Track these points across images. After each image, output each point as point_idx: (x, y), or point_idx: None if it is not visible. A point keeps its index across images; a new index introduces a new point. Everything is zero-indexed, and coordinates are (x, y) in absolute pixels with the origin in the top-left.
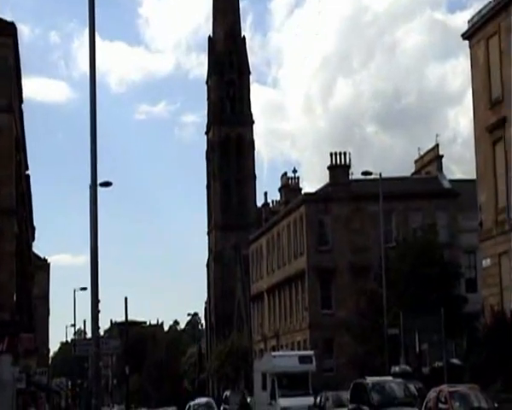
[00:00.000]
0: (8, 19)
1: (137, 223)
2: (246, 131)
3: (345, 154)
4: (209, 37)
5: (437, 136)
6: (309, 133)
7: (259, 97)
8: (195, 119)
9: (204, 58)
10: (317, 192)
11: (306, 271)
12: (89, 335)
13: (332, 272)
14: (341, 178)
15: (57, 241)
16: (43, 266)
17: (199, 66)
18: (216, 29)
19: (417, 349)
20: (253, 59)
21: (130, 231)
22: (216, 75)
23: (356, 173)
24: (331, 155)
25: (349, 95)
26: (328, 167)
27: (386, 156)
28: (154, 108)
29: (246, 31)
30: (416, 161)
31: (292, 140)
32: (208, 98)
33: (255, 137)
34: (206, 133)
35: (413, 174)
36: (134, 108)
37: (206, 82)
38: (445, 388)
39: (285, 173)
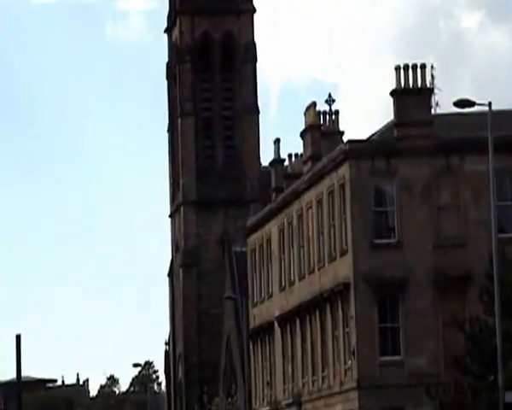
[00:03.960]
0: None
1: (33, 192)
2: (240, 26)
3: (422, 67)
4: None
5: None
6: (354, 30)
7: None
8: (146, 4)
9: None
10: (371, 139)
11: (352, 283)
12: None
13: (400, 285)
14: (416, 113)
15: None
16: None
17: None
18: None
19: None
20: None
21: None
22: None
23: (443, 105)
24: (397, 69)
25: None
26: (392, 92)
27: (496, 73)
28: None
29: None
30: None
31: (322, 44)
32: None
33: (257, 38)
34: (168, 31)
35: None
36: None
37: None
38: None
39: (313, 104)
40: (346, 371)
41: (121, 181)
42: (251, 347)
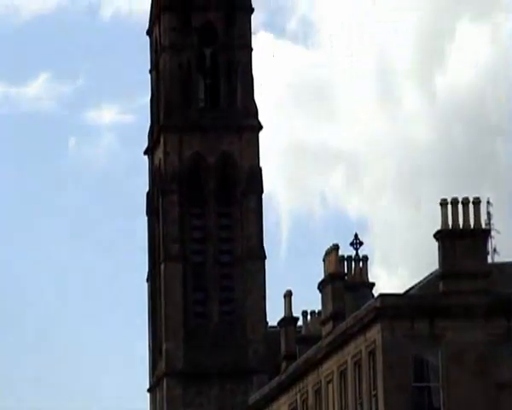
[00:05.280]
0: None
1: None
2: (242, 147)
3: (476, 202)
4: None
5: None
6: (387, 157)
7: None
8: (120, 117)
9: None
10: (409, 294)
11: None
12: None
13: None
14: (468, 261)
15: None
16: None
17: None
18: None
19: None
20: None
21: None
22: None
23: (503, 251)
24: (443, 205)
25: None
26: (437, 234)
27: None
28: None
29: None
30: None
31: (346, 169)
32: None
33: (263, 161)
34: (149, 152)
35: None
36: None
37: None
38: None
39: (334, 248)
40: None
41: (87, 345)
42: None
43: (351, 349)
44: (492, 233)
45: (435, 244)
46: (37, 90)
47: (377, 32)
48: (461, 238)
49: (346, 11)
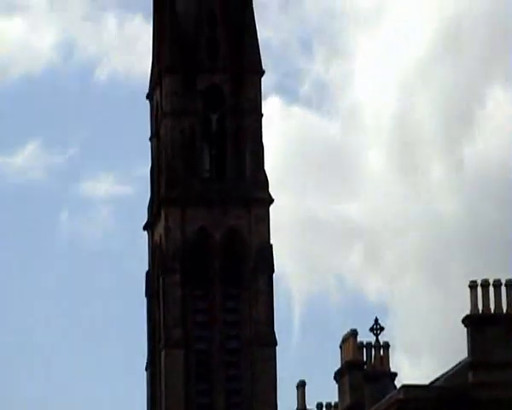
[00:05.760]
0: None
1: None
2: (252, 222)
3: (509, 285)
4: None
5: None
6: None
7: None
8: (116, 189)
9: None
10: (435, 385)
11: None
12: None
13: None
14: (499, 351)
15: None
16: None
17: None
18: None
19: None
20: None
21: None
22: None
23: None
24: (472, 288)
25: None
26: (465, 320)
27: None
28: None
29: None
30: None
31: (365, 247)
32: None
33: (274, 237)
34: (148, 228)
35: None
36: None
37: None
38: None
39: (352, 334)
40: None
41: None
42: None
43: None
44: None
45: (464, 331)
46: (26, 159)
47: (399, 96)
48: (492, 324)
49: (364, 74)
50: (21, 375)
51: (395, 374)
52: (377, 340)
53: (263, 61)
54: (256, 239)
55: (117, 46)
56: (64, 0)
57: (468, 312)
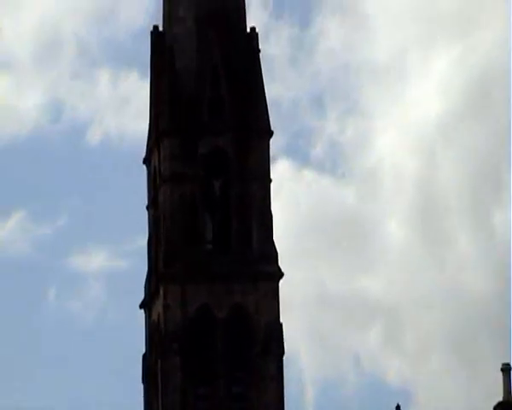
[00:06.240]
0: None
1: None
2: (258, 297)
3: None
4: None
5: None
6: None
7: None
8: (110, 263)
9: None
10: None
11: None
12: None
13: None
14: None
15: None
16: None
17: None
18: None
19: None
20: None
21: None
22: None
23: None
24: (505, 371)
25: None
26: (498, 407)
27: None
28: None
29: None
30: None
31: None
32: None
33: (283, 311)
34: (145, 307)
35: None
36: None
37: None
38: None
39: None
40: None
41: None
42: None
43: None
44: None
45: None
46: (10, 232)
47: (420, 157)
48: None
49: (382, 134)
50: None
51: None
52: None
53: (271, 121)
54: (264, 317)
55: (110, 106)
56: (51, 56)
57: (500, 398)
